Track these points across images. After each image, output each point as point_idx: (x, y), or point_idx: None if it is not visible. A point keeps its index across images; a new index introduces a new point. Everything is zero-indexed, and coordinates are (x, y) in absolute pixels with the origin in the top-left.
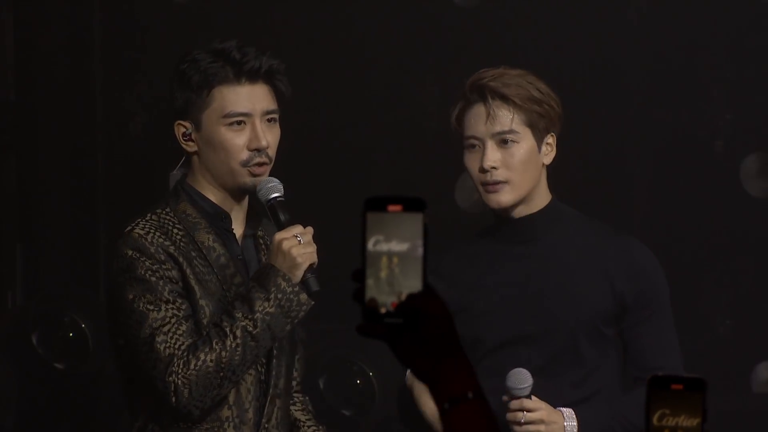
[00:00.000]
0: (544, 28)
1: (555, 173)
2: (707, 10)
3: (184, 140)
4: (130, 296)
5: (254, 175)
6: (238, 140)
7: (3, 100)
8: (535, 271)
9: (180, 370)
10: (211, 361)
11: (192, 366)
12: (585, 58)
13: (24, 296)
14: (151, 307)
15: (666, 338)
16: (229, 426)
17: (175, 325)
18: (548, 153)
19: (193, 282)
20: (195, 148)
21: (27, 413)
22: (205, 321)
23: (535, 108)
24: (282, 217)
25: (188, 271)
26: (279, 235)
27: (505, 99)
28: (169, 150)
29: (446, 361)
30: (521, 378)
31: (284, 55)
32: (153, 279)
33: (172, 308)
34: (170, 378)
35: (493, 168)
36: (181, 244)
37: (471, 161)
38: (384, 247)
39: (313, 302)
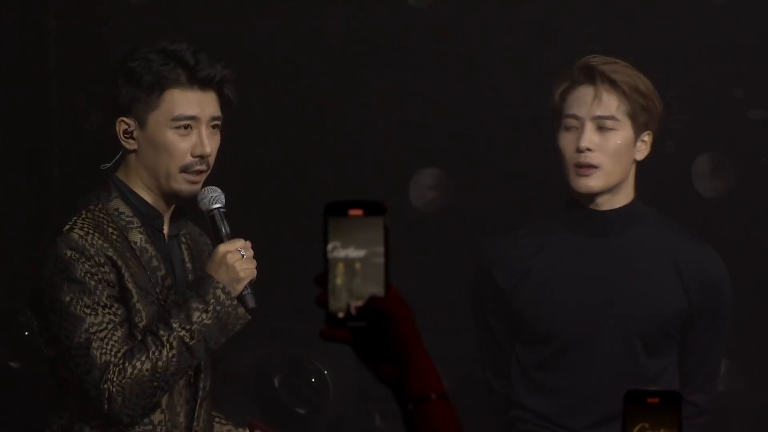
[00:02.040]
0: (496, 27)
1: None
2: (660, 15)
3: (125, 137)
4: (67, 298)
5: (191, 183)
6: (182, 144)
7: None
8: (611, 268)
9: (115, 378)
10: (147, 370)
11: (128, 374)
12: (539, 59)
13: None
14: (88, 311)
15: (716, 349)
16: (161, 430)
17: (111, 331)
18: (642, 149)
19: (130, 285)
20: (134, 147)
21: None
22: (140, 324)
23: (640, 100)
24: (224, 230)
25: (126, 273)
26: (223, 248)
27: (614, 84)
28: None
29: (410, 363)
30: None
31: (236, 56)
32: (92, 282)
33: (109, 313)
34: (105, 385)
35: (588, 150)
36: (117, 244)
37: (566, 141)
38: (341, 253)
39: (249, 317)
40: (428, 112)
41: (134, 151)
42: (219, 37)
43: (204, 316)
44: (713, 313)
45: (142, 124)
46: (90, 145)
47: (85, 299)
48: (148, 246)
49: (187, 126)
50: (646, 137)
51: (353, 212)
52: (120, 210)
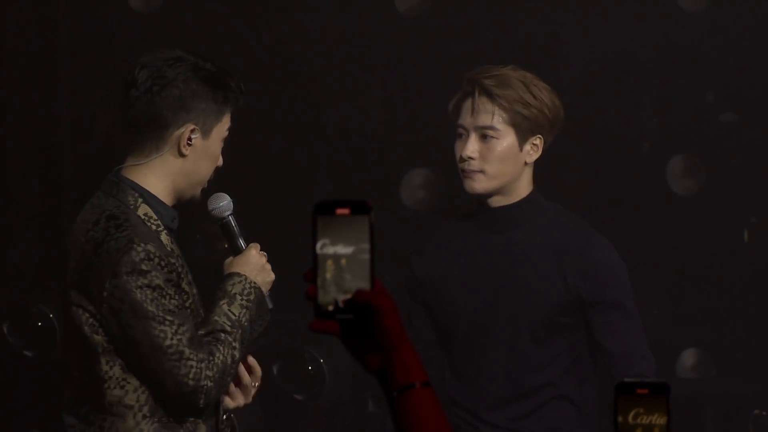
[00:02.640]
0: (485, 36)
1: None
2: (635, 23)
3: (187, 143)
4: (152, 306)
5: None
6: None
7: None
8: (502, 260)
9: (210, 373)
10: (228, 362)
11: (218, 368)
12: (523, 64)
13: None
14: (173, 315)
15: (625, 326)
16: (202, 417)
17: (194, 330)
18: (532, 153)
19: (186, 287)
20: (188, 152)
21: None
22: (193, 324)
23: (521, 110)
24: (240, 237)
25: (182, 276)
26: (255, 251)
27: (491, 97)
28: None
29: (394, 352)
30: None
31: (232, 60)
32: (169, 287)
33: (188, 315)
34: (204, 382)
35: (470, 158)
36: (167, 249)
37: (457, 148)
38: (330, 250)
39: (268, 317)
40: (418, 114)
41: (183, 156)
42: (217, 44)
43: (248, 314)
44: (606, 301)
45: (206, 134)
46: (99, 147)
47: (167, 304)
48: (174, 247)
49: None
50: (537, 141)
51: (340, 211)
52: (148, 215)
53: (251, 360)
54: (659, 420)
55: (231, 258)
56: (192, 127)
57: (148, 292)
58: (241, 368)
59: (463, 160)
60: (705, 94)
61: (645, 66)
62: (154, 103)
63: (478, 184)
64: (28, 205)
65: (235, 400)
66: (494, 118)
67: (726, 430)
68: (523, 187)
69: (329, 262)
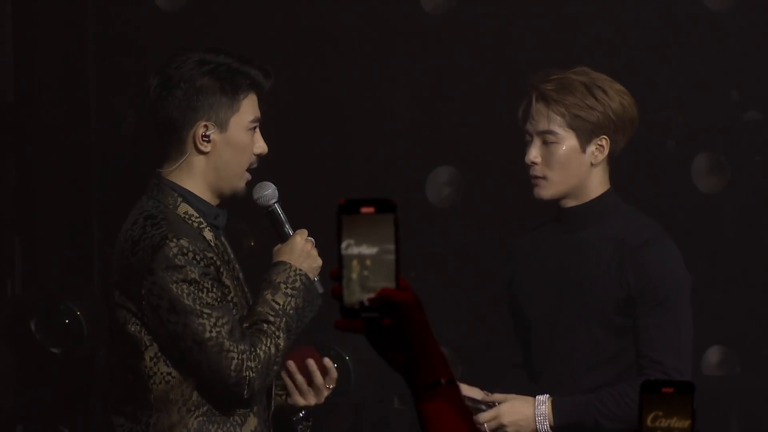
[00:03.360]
0: (510, 34)
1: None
2: (660, 22)
3: (203, 140)
4: (188, 300)
5: (248, 180)
6: (253, 145)
7: (2, 101)
8: (569, 260)
9: (252, 365)
10: (273, 353)
11: (262, 359)
12: (551, 62)
13: (22, 285)
14: (211, 309)
15: (668, 334)
16: (253, 410)
17: (235, 323)
18: (597, 154)
19: (226, 281)
20: (208, 149)
21: (25, 394)
22: (237, 317)
23: (580, 113)
24: (287, 223)
25: (222, 270)
26: (300, 238)
27: (547, 102)
28: (157, 149)
29: (420, 350)
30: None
31: (263, 59)
32: (207, 282)
33: (228, 308)
34: (246, 373)
35: (533, 163)
36: (205, 245)
37: (526, 154)
38: (355, 250)
39: (320, 301)
40: (443, 112)
41: (204, 153)
42: (243, 41)
43: (294, 302)
44: (652, 301)
45: (222, 127)
46: (126, 145)
47: (205, 298)
48: (218, 243)
49: (254, 128)
50: (602, 141)
51: (365, 210)
52: (189, 213)
53: (327, 361)
54: (678, 423)
55: (279, 245)
56: (203, 123)
57: (184, 286)
58: (314, 367)
59: (528, 165)
60: (730, 92)
61: (670, 64)
62: (164, 108)
63: (544, 191)
64: (56, 203)
65: (307, 399)
66: (552, 122)
67: (751, 427)
68: (594, 188)
69: (354, 262)
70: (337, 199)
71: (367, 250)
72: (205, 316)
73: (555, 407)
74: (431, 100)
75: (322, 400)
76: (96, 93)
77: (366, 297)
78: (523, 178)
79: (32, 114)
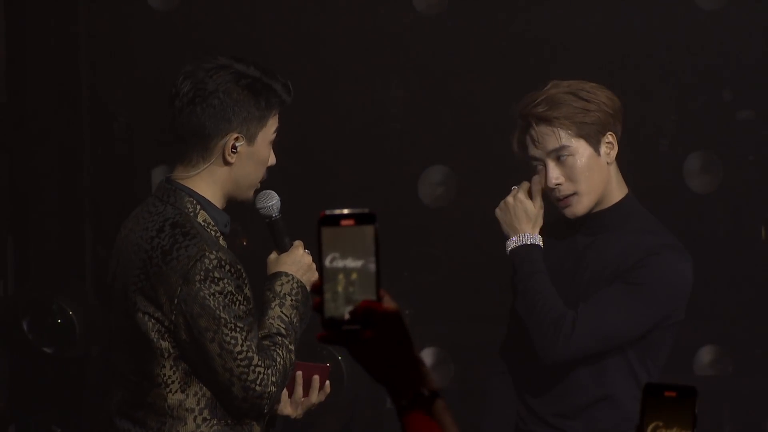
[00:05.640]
0: (503, 34)
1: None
2: (653, 18)
3: (231, 151)
4: (224, 313)
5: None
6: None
7: None
8: (581, 264)
9: (275, 379)
10: (288, 366)
11: (281, 372)
12: (541, 63)
13: (15, 285)
14: (243, 322)
15: (606, 304)
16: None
17: (258, 336)
18: (609, 152)
19: (248, 292)
20: (234, 160)
21: (18, 393)
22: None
23: (582, 119)
24: (286, 238)
25: (246, 281)
26: (301, 251)
27: (548, 121)
28: (150, 148)
29: (402, 362)
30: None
31: (260, 60)
32: (239, 294)
33: (254, 321)
34: (271, 388)
35: (558, 184)
36: (233, 255)
37: (534, 181)
38: (340, 263)
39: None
40: (436, 112)
41: (230, 164)
42: (235, 42)
43: (297, 314)
44: (623, 276)
45: (251, 140)
46: (118, 144)
47: (237, 310)
48: (231, 252)
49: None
50: (609, 138)
51: (345, 222)
52: (206, 221)
53: (315, 379)
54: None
55: (275, 254)
56: (235, 135)
57: (220, 298)
58: (298, 381)
59: (551, 189)
60: (722, 91)
61: (662, 64)
62: (195, 115)
63: (578, 208)
64: (48, 203)
65: (284, 409)
66: (561, 138)
67: (743, 427)
68: (614, 191)
69: (340, 276)
70: (329, 199)
71: (352, 263)
72: (238, 329)
73: (522, 246)
74: (424, 99)
75: (300, 414)
76: (88, 93)
77: (348, 309)
78: (516, 177)
79: (25, 114)
